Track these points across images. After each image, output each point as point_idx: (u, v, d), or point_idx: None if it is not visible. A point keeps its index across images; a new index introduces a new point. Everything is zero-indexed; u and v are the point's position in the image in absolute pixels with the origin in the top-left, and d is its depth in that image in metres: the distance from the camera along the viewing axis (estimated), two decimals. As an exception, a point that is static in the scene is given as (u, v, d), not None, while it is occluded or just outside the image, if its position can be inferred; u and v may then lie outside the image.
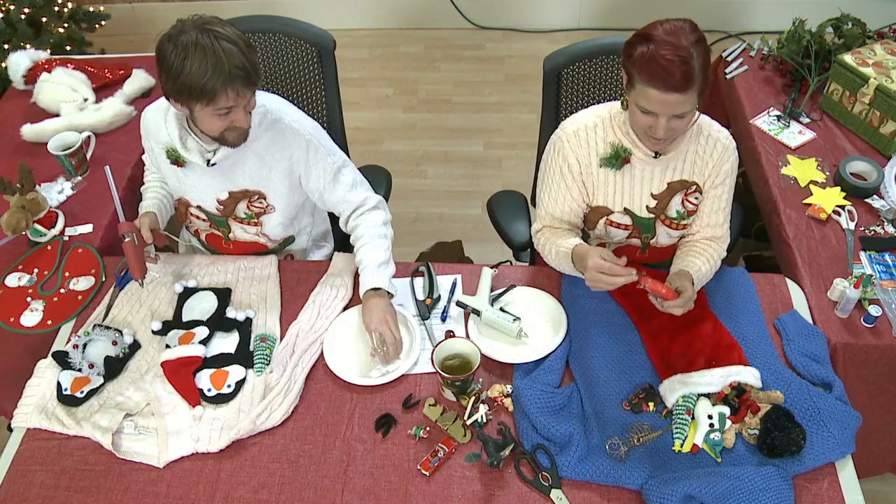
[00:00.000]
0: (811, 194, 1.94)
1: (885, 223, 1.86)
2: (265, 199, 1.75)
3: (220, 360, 1.62)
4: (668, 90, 1.40)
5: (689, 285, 1.53)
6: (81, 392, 1.56)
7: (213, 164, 1.65)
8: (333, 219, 2.07)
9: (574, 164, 1.64)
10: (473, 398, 1.51)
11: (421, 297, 1.75)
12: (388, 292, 1.66)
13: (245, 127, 1.57)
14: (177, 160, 1.69)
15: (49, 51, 2.65)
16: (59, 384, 1.58)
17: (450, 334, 1.66)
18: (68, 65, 2.37)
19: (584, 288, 1.71)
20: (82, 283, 1.79)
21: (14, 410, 1.55)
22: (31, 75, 2.35)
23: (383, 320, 1.60)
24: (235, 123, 1.54)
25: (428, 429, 1.50)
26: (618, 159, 1.60)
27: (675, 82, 1.39)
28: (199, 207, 1.79)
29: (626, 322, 1.67)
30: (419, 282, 1.78)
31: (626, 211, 1.68)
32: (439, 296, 1.75)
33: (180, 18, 1.46)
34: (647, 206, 1.67)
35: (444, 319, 1.71)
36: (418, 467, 1.44)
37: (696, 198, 1.67)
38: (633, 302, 1.69)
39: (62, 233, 1.92)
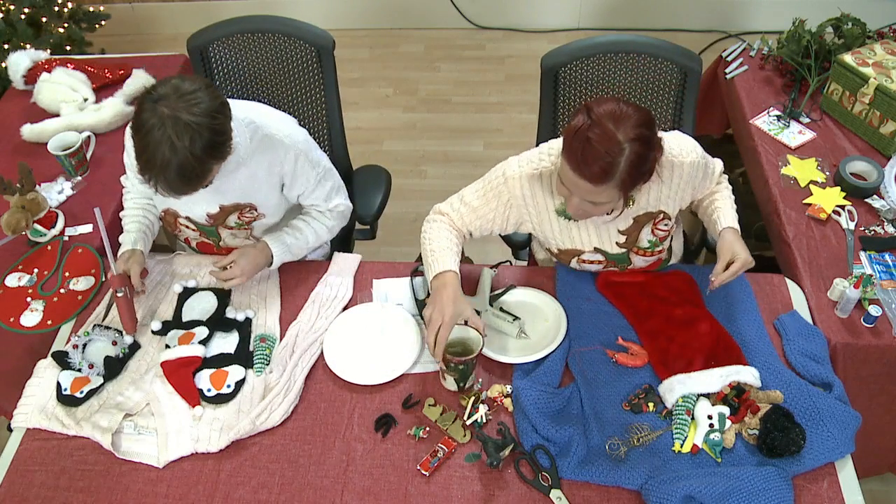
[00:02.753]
0: (811, 194, 1.94)
1: (885, 223, 1.86)
2: (256, 209, 1.74)
3: (220, 360, 1.62)
4: (581, 177, 1.33)
5: (740, 249, 1.54)
6: (81, 392, 1.56)
7: (206, 186, 1.57)
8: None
9: (525, 213, 1.58)
10: (473, 398, 1.51)
11: (421, 296, 1.75)
12: (273, 256, 1.75)
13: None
14: None
15: (49, 51, 2.65)
16: (58, 384, 1.58)
17: None
18: (68, 65, 2.37)
19: (579, 289, 1.72)
20: (82, 283, 1.79)
21: (14, 410, 1.55)
22: (31, 75, 2.35)
23: (244, 261, 1.70)
24: None
25: (428, 429, 1.50)
26: None
27: (590, 173, 1.32)
28: (187, 218, 1.78)
29: (624, 323, 1.67)
30: (419, 281, 1.78)
31: (597, 250, 1.66)
32: None
33: (159, 85, 1.41)
34: (616, 243, 1.63)
35: None
36: (418, 467, 1.44)
37: (665, 224, 1.62)
38: (627, 303, 1.69)
39: (62, 233, 1.92)
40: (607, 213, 1.54)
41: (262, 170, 1.67)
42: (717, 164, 1.69)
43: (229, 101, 1.63)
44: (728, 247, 1.56)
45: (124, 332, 1.67)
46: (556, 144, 1.55)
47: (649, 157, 1.35)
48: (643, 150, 1.33)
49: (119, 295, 1.65)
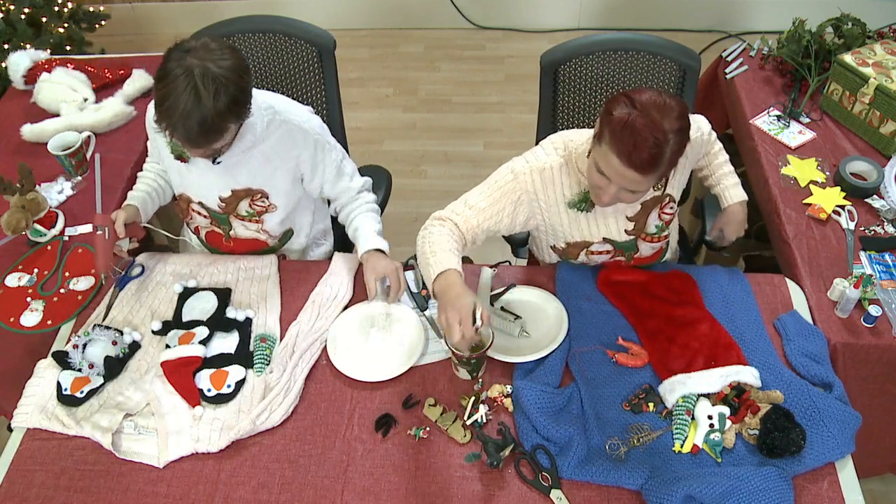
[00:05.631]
0: (811, 194, 1.94)
1: (885, 223, 1.86)
2: (267, 198, 1.76)
3: (220, 360, 1.62)
4: (629, 166, 1.35)
5: (731, 230, 1.77)
6: (81, 392, 1.56)
7: (218, 163, 1.65)
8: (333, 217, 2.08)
9: (536, 208, 1.58)
10: (473, 398, 1.52)
11: (415, 289, 1.75)
12: (383, 248, 1.76)
13: (210, 156, 1.60)
14: (181, 156, 1.70)
15: (49, 51, 2.65)
16: (59, 384, 1.58)
17: None
18: (68, 65, 2.37)
19: (579, 289, 1.72)
20: (82, 283, 1.79)
21: (14, 410, 1.55)
22: (31, 75, 2.35)
23: (394, 269, 1.70)
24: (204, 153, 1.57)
25: (428, 429, 1.49)
26: (586, 202, 1.57)
27: (640, 161, 1.33)
28: (200, 203, 1.79)
29: (624, 323, 1.67)
30: (410, 275, 1.79)
31: (606, 240, 1.66)
32: None
33: (188, 40, 1.45)
34: (625, 230, 1.64)
35: None
36: None
37: (671, 207, 1.64)
38: (627, 303, 1.69)
39: (62, 233, 1.92)
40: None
41: (277, 155, 1.69)
42: (703, 125, 1.67)
43: None
44: (722, 218, 1.79)
45: (124, 332, 1.67)
46: (559, 139, 1.57)
47: (685, 144, 1.39)
48: (683, 141, 1.36)
49: (98, 233, 1.68)
